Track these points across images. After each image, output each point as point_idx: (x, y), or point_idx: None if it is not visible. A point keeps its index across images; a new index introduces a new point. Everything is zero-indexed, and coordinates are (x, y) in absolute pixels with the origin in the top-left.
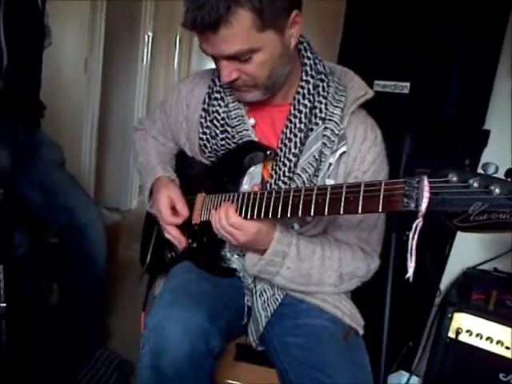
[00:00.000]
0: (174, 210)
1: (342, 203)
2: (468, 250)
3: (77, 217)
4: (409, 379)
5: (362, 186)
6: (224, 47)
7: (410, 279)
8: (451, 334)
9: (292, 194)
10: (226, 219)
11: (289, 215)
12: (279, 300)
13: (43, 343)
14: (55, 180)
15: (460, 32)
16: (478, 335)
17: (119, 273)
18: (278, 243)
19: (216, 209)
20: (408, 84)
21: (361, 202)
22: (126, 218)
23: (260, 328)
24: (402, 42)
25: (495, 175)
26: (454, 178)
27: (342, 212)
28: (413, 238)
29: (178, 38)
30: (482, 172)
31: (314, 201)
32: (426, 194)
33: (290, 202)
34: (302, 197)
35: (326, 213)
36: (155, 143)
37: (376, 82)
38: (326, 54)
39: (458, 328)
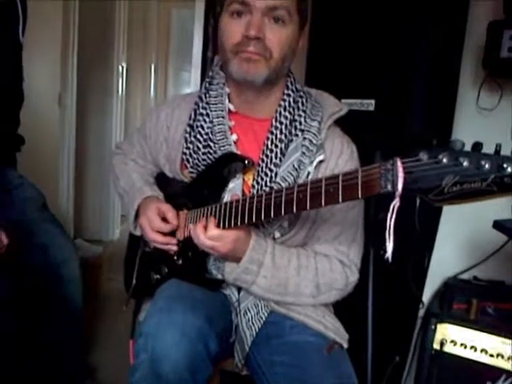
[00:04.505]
0: (164, 221)
1: (323, 196)
2: (448, 260)
3: (51, 255)
4: None
5: (340, 177)
6: None
7: (389, 259)
8: (436, 346)
9: (273, 195)
10: (204, 234)
11: (272, 215)
12: (263, 318)
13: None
14: (31, 219)
15: (420, 48)
16: (462, 345)
17: (102, 305)
18: (252, 251)
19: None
20: (373, 101)
21: (340, 192)
22: (109, 249)
23: (245, 347)
24: (365, 60)
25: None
26: (425, 156)
27: (323, 204)
28: (391, 218)
29: (152, 66)
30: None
31: (295, 198)
32: (401, 174)
33: (272, 203)
34: (283, 196)
35: (308, 207)
36: (135, 166)
37: (343, 100)
38: None
39: (443, 339)
